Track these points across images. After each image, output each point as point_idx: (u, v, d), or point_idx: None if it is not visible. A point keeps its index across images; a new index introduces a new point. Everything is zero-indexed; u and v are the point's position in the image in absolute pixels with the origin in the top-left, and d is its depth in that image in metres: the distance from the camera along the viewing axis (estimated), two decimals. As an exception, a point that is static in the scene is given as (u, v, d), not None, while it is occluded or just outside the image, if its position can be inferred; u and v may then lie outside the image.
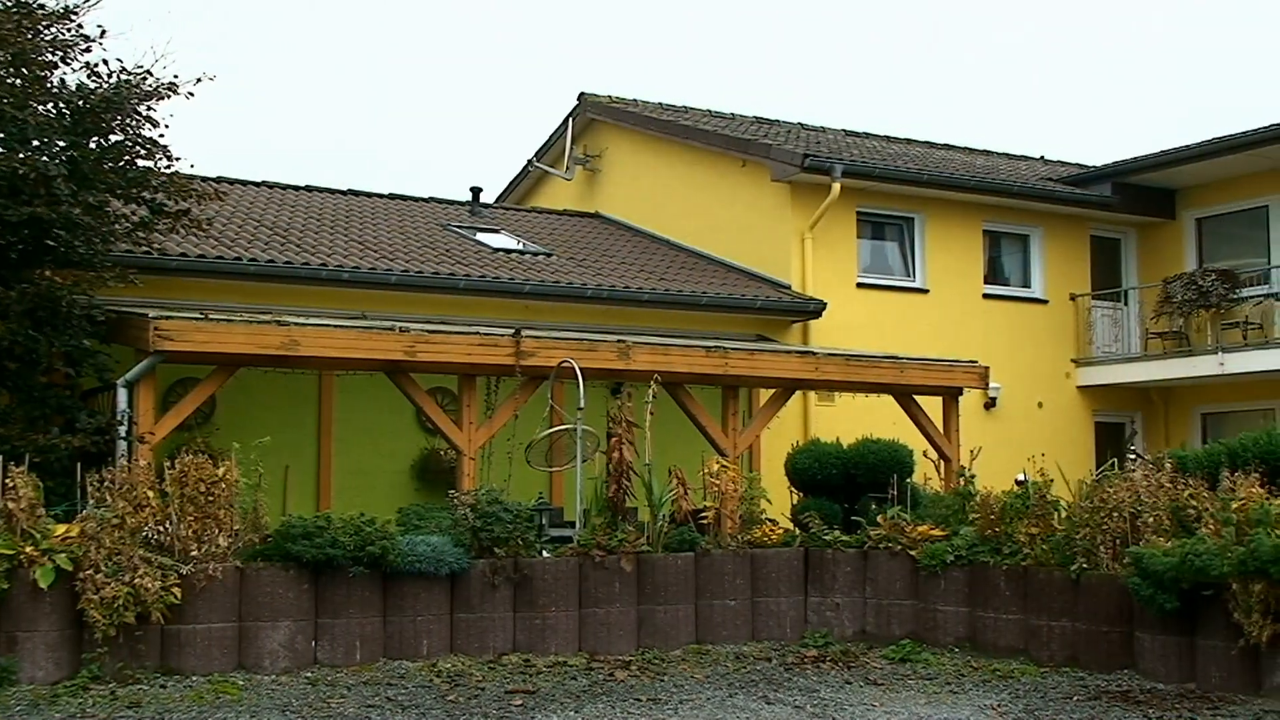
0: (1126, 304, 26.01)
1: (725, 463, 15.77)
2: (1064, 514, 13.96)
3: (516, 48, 64.58)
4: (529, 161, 29.60)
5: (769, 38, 64.27)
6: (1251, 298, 24.04)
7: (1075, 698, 11.75)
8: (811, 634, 14.86)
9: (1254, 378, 23.36)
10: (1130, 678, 12.51)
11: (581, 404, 14.98)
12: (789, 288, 22.36)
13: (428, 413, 15.50)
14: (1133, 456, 15.09)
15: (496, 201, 29.17)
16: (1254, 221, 25.16)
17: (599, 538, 14.19)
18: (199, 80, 15.66)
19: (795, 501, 17.41)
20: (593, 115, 27.82)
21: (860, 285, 23.27)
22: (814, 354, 18.12)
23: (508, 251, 21.89)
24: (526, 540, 13.85)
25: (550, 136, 28.81)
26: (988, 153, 29.14)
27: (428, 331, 15.13)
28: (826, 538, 15.40)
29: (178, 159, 15.74)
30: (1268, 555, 11.14)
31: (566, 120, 28.10)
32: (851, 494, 17.21)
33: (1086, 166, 27.73)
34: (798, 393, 19.37)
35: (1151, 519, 12.94)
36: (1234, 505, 12.24)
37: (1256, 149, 23.51)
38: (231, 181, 23.15)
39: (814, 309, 21.97)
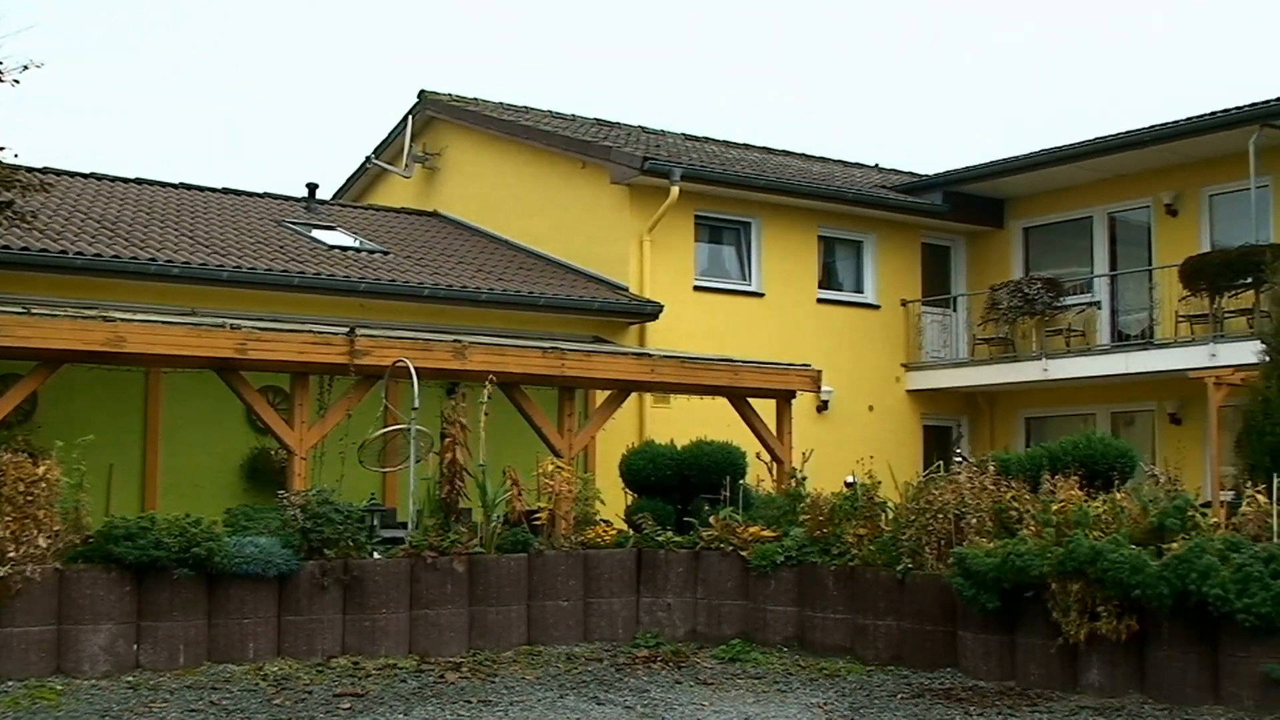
0: (955, 310, 26.62)
1: (560, 464, 15.77)
2: (891, 515, 14.22)
3: (356, 44, 63.89)
4: (367, 158, 29.30)
5: (611, 40, 64.48)
6: (1075, 305, 24.78)
7: (899, 696, 11.97)
8: (643, 634, 14.92)
9: (1076, 383, 24.07)
10: (953, 676, 12.78)
11: (416, 404, 14.86)
12: (627, 290, 22.46)
13: (258, 412, 15.24)
14: (959, 459, 15.41)
15: (333, 198, 28.80)
16: (1079, 231, 25.92)
17: (431, 539, 14.08)
18: (25, 68, 15.20)
19: (629, 503, 17.49)
20: (433, 113, 27.65)
21: (697, 288, 23.46)
22: (650, 356, 18.22)
23: (343, 249, 21.64)
24: (357, 541, 13.69)
25: (389, 134, 28.56)
26: (824, 160, 29.59)
27: (259, 329, 14.88)
28: (659, 538, 15.49)
29: (0, 149, 15.26)
30: (1085, 556, 11.48)
31: (406, 118, 27.87)
32: (685, 495, 17.33)
33: (919, 175, 28.35)
34: (634, 394, 19.46)
35: (975, 520, 13.23)
36: (1054, 507, 12.58)
37: (1081, 161, 24.23)
38: (59, 173, 22.51)
39: (651, 311, 22.10)
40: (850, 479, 15.00)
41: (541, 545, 14.79)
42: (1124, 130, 23.49)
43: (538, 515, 15.18)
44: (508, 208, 25.75)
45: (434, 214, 27.13)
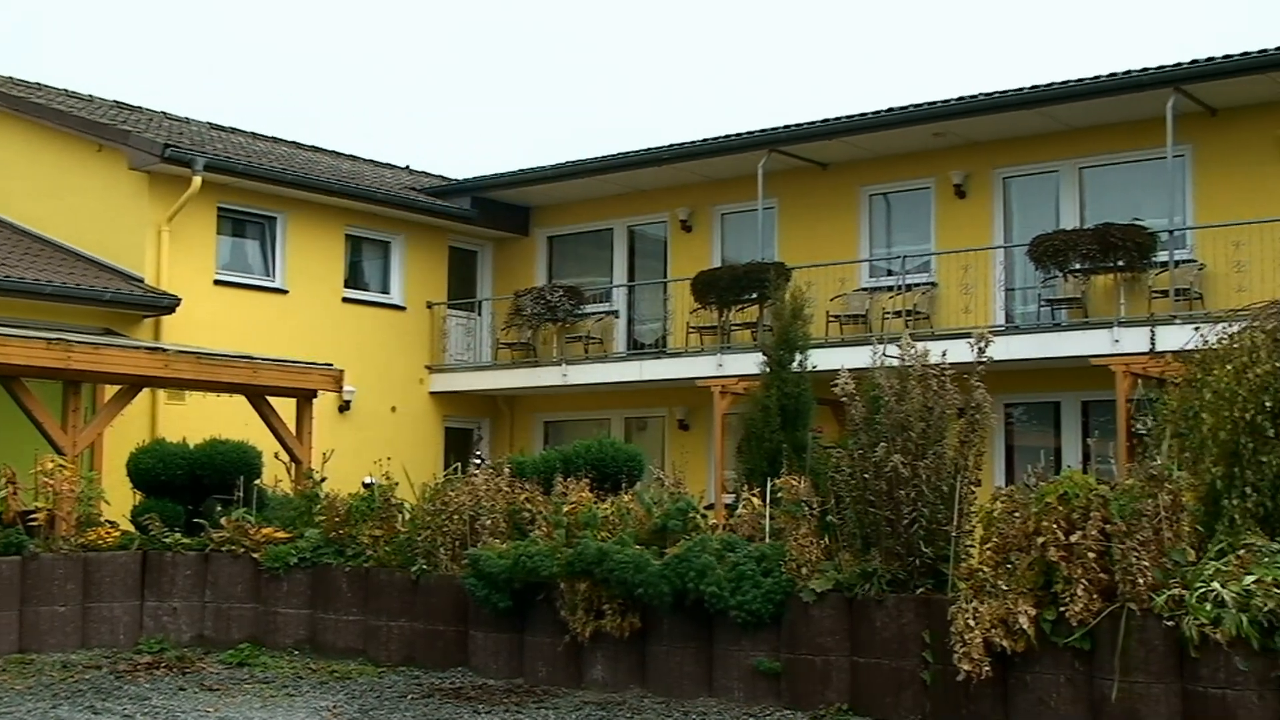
0: (481, 314, 26.97)
1: (63, 461, 14.96)
2: (408, 516, 14.22)
3: None
4: None
5: (138, 25, 61.73)
6: (594, 314, 25.58)
7: (410, 696, 11.98)
8: (148, 640, 14.36)
9: (594, 389, 24.83)
10: (464, 675, 12.90)
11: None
12: (142, 281, 21.53)
13: None
14: (477, 461, 15.59)
15: None
16: (600, 242, 26.79)
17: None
18: None
19: (137, 503, 16.78)
20: (-69, 83, 25.64)
21: (218, 282, 22.78)
22: (165, 351, 17.52)
23: None
24: None
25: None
26: (354, 158, 29.33)
27: None
28: (167, 540, 14.94)
29: None
30: (593, 556, 11.84)
31: (-101, 86, 25.72)
32: (198, 496, 16.81)
33: (450, 179, 28.52)
34: (147, 390, 18.68)
35: (490, 521, 13.41)
36: (565, 509, 12.91)
37: (603, 175, 25.05)
38: None
39: (168, 304, 21.28)
40: (368, 480, 14.91)
41: (38, 547, 14.01)
42: (644, 148, 24.45)
43: (34, 516, 14.35)
44: (13, 189, 24.12)
45: (-70, 192, 25.17)
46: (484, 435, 26.48)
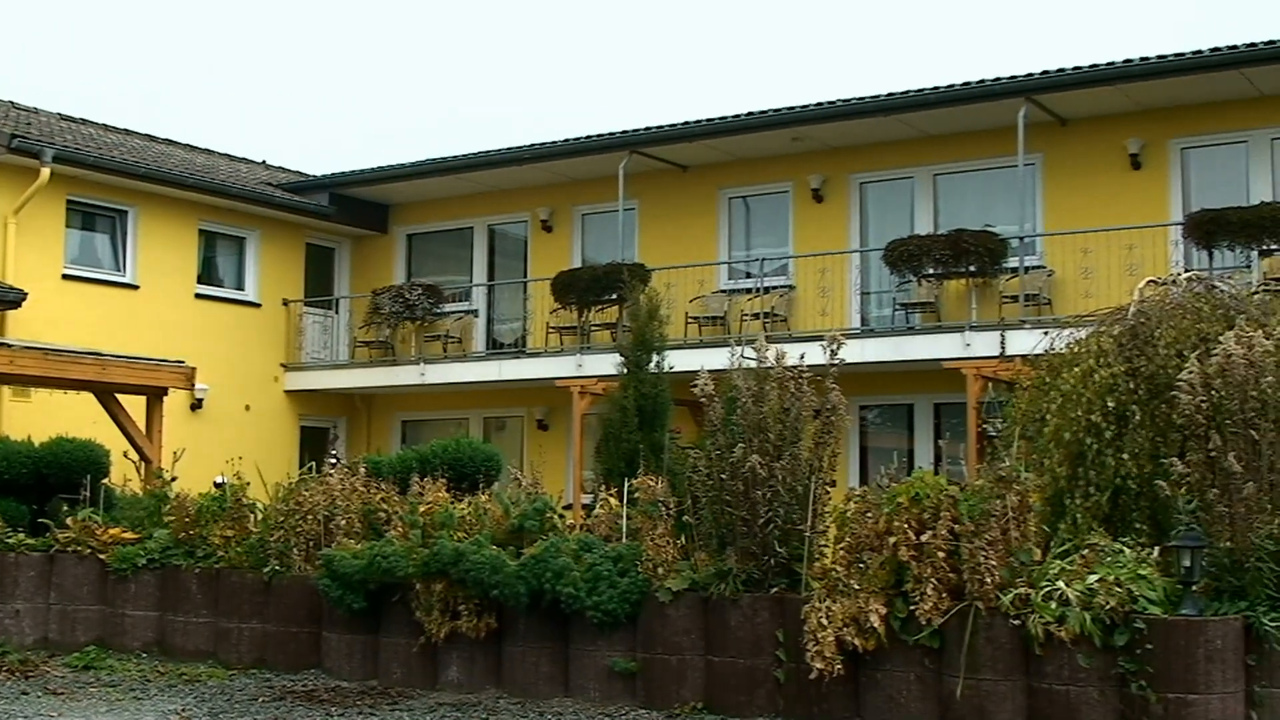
0: (338, 312, 26.69)
1: (-102, 460, 14.48)
2: (261, 517, 14.00)
3: None
4: None
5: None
6: (454, 313, 25.46)
7: (261, 699, 11.79)
8: (-11, 643, 13.97)
9: (452, 388, 24.71)
10: (317, 677, 12.73)
11: None
12: (-14, 274, 20.97)
13: None
14: (333, 461, 15.41)
15: None
16: (460, 241, 26.67)
17: None
18: None
19: (-20, 503, 16.31)
20: None
21: (67, 277, 22.30)
22: (9, 346, 17.05)
23: None
24: None
25: None
26: (210, 152, 28.82)
27: None
28: (10, 541, 14.53)
29: None
30: (449, 557, 11.76)
31: None
32: (44, 495, 16.43)
33: (308, 175, 28.18)
34: (-11, 387, 18.19)
35: (345, 522, 13.23)
36: (421, 509, 12.79)
37: (464, 173, 24.94)
38: None
39: (13, 299, 20.71)
40: (220, 480, 14.65)
41: None
42: (506, 147, 24.40)
43: None
44: None
45: None
46: (340, 434, 26.21)
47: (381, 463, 15.52)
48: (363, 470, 14.04)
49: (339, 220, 26.37)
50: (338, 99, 62.95)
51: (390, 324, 25.04)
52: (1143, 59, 19.20)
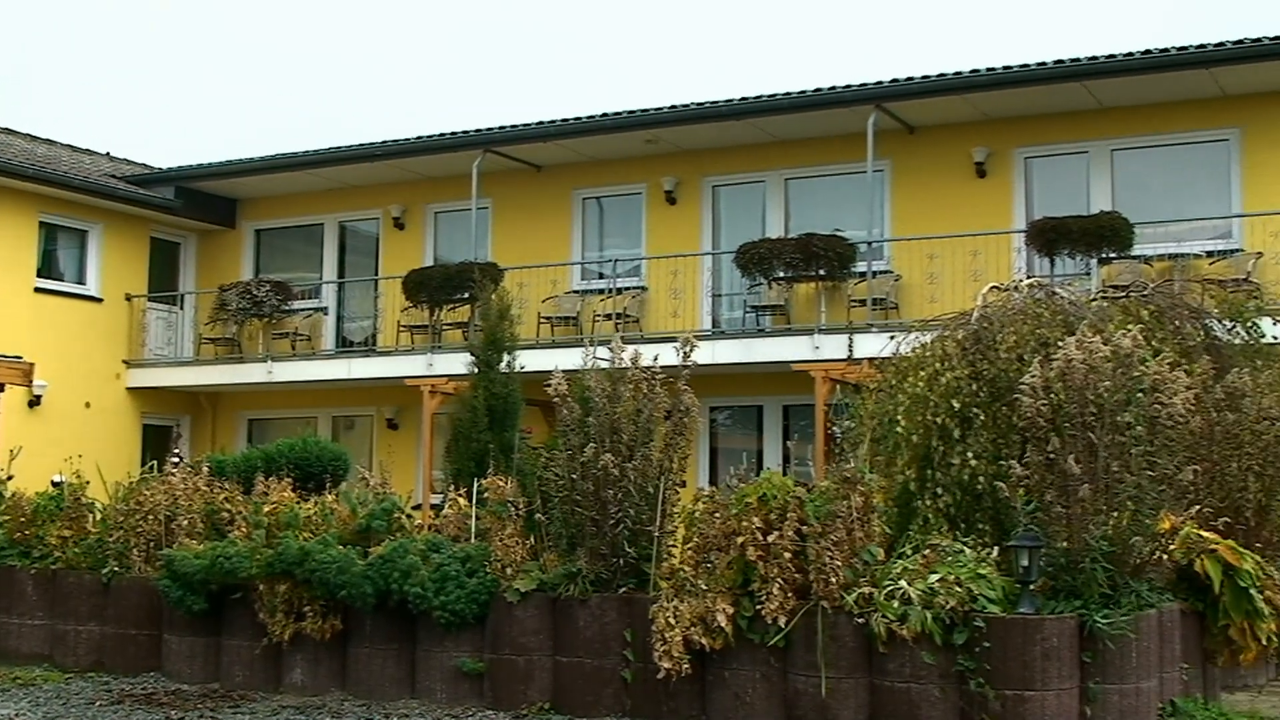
0: (183, 308, 26.19)
1: None
2: (100, 516, 13.67)
3: None
4: None
5: None
6: (303, 310, 25.11)
7: (99, 703, 11.51)
8: None
9: (300, 386, 24.38)
10: (157, 680, 12.47)
11: None
12: None
13: None
14: (175, 460, 15.10)
15: None
16: (310, 237, 26.32)
17: None
18: None
19: None
20: None
21: (-101, 269, 21.55)
22: None
23: None
24: None
25: None
26: (51, 142, 28.04)
27: None
28: None
29: None
30: (294, 557, 11.58)
31: None
32: None
33: (153, 168, 27.57)
34: None
35: (186, 522, 12.96)
36: (266, 509, 12.59)
37: (315, 169, 24.62)
38: None
39: None
40: (58, 478, 14.27)
41: None
42: (358, 143, 24.12)
43: None
44: None
45: None
46: (183, 433, 25.70)
47: (226, 462, 15.25)
48: (206, 469, 13.79)
49: (185, 214, 25.87)
50: (193, 95, 61.77)
51: (237, 321, 24.61)
52: (989, 70, 19.62)
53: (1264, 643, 10.77)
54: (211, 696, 11.77)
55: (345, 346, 25.20)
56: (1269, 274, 17.90)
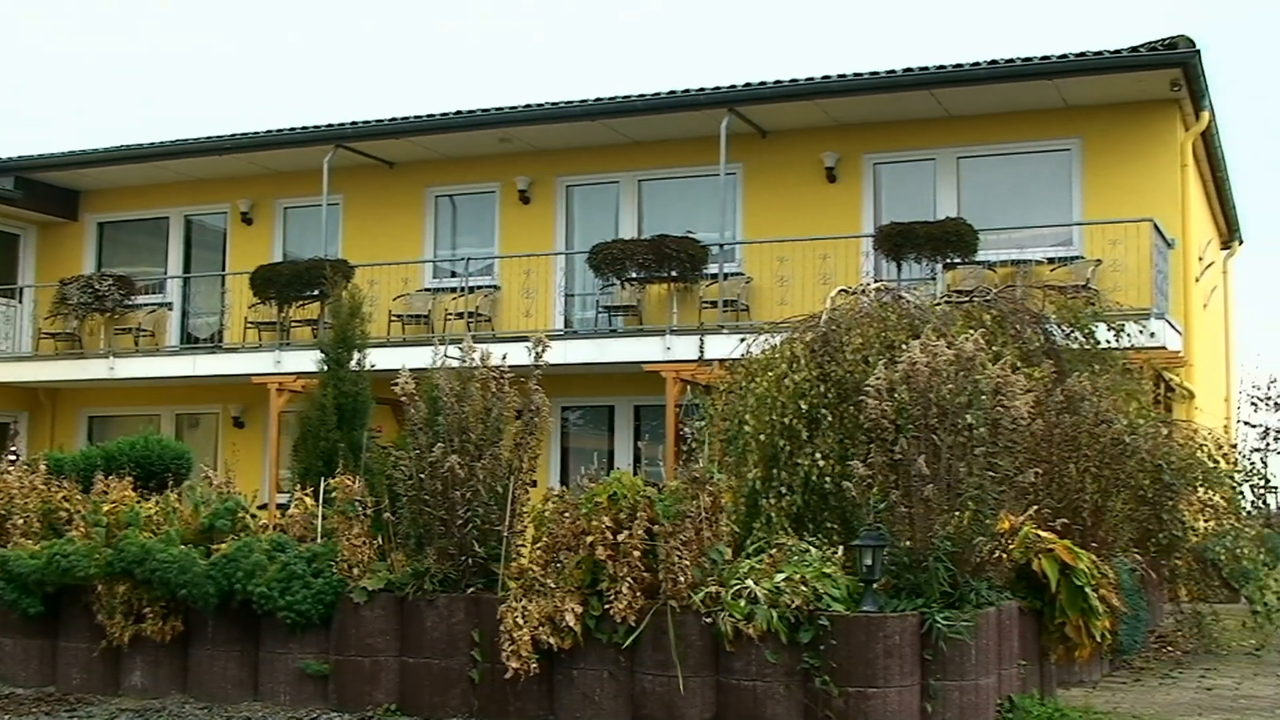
0: (21, 302, 25.50)
1: None
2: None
3: None
4: None
5: None
6: (147, 305, 24.61)
7: (-74, 709, 11.18)
8: None
9: (144, 383, 23.87)
10: (-11, 684, 12.14)
11: None
12: None
13: None
14: (11, 458, 14.66)
15: None
16: (155, 231, 25.79)
17: None
18: None
19: None
20: None
21: None
22: None
23: None
24: None
25: None
26: (-118, 128, 27.21)
27: None
28: None
29: None
30: (134, 556, 11.33)
31: None
32: None
33: (-9, 157, 26.83)
34: None
35: (22, 521, 12.61)
36: (105, 508, 12.28)
37: (160, 161, 24.14)
38: None
39: None
40: None
41: None
42: (206, 136, 23.69)
43: None
44: None
45: None
46: (21, 430, 25.02)
47: (64, 460, 14.88)
48: (43, 468, 13.42)
49: (24, 205, 25.19)
50: (36, 86, 60.13)
51: (78, 315, 24.02)
52: (840, 76, 19.90)
53: (1098, 640, 11.05)
54: (47, 700, 11.48)
55: (190, 343, 24.72)
56: (1106, 281, 18.41)
